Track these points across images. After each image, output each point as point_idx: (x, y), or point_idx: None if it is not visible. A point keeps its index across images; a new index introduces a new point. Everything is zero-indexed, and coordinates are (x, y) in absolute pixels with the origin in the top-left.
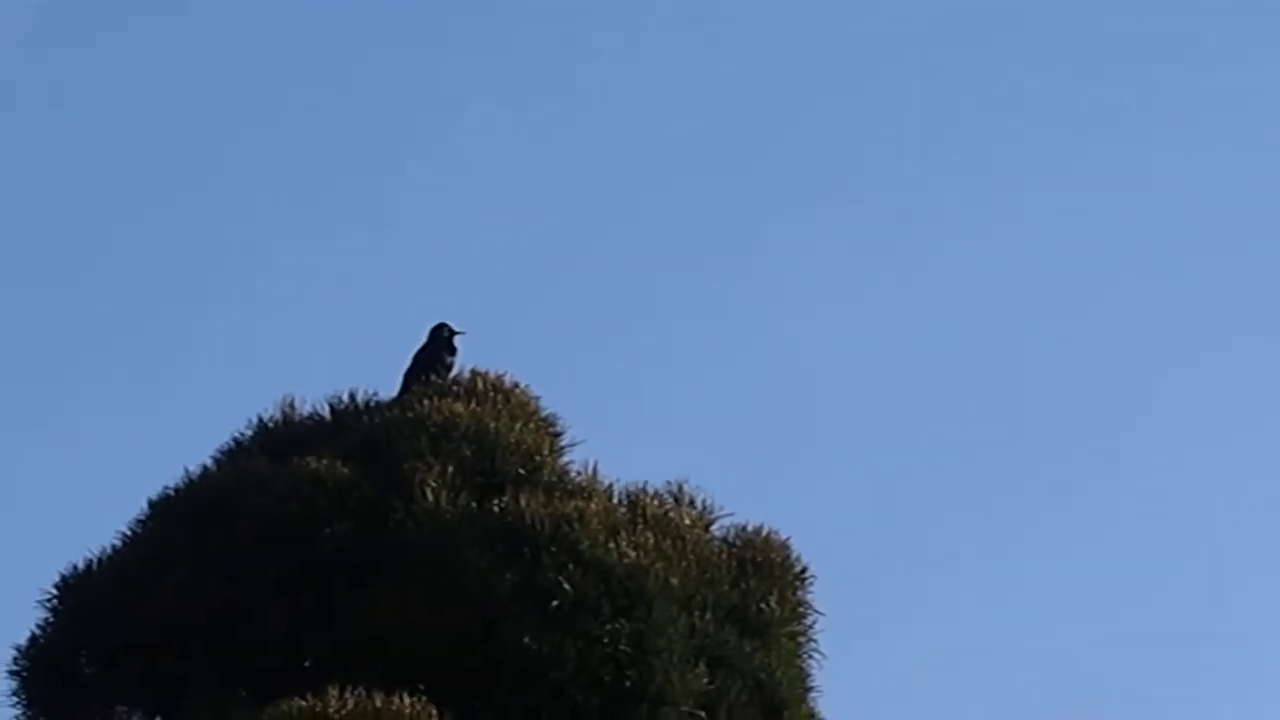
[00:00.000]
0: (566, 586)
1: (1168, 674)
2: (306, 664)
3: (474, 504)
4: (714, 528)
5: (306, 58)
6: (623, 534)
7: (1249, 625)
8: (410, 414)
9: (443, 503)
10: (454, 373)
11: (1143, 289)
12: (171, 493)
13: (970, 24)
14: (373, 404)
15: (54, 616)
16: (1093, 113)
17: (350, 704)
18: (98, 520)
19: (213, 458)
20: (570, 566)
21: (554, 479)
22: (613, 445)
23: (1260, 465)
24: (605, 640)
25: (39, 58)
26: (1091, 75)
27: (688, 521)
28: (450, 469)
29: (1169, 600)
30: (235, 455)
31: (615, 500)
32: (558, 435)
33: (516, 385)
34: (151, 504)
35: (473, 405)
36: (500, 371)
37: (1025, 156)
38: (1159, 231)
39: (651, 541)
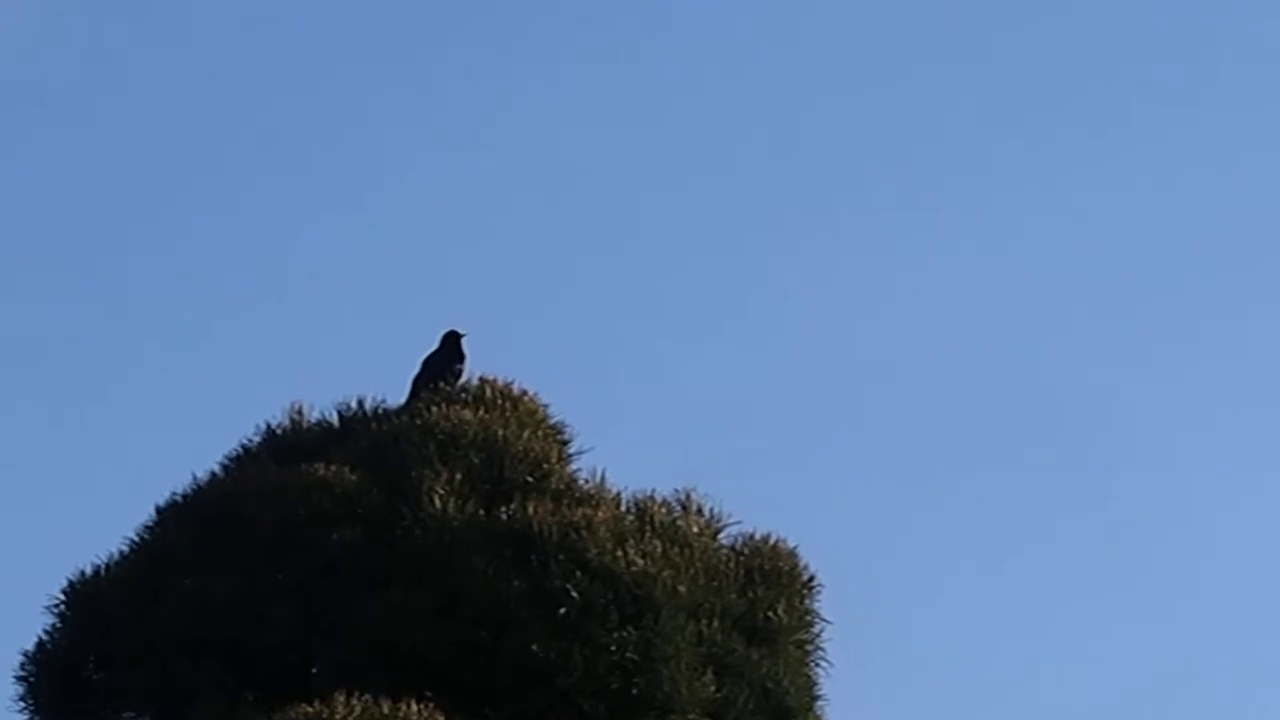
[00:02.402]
0: (574, 594)
1: (1172, 687)
2: (314, 670)
3: (482, 511)
4: (722, 536)
5: (314, 62)
6: (630, 542)
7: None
8: (418, 421)
9: (450, 510)
10: (462, 379)
11: (1153, 292)
12: (180, 499)
13: (982, 23)
14: (381, 411)
15: (62, 622)
16: (1108, 112)
17: (357, 710)
18: (106, 526)
19: (221, 464)
20: (578, 574)
21: (562, 486)
22: (621, 453)
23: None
24: (613, 648)
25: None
26: (1110, 74)
27: (695, 529)
28: (458, 476)
29: (1172, 616)
30: (243, 462)
31: (623, 508)
32: (566, 443)
33: (525, 393)
34: (159, 510)
35: (481, 412)
36: (508, 379)
37: (1036, 157)
38: (1176, 232)
39: (659, 549)
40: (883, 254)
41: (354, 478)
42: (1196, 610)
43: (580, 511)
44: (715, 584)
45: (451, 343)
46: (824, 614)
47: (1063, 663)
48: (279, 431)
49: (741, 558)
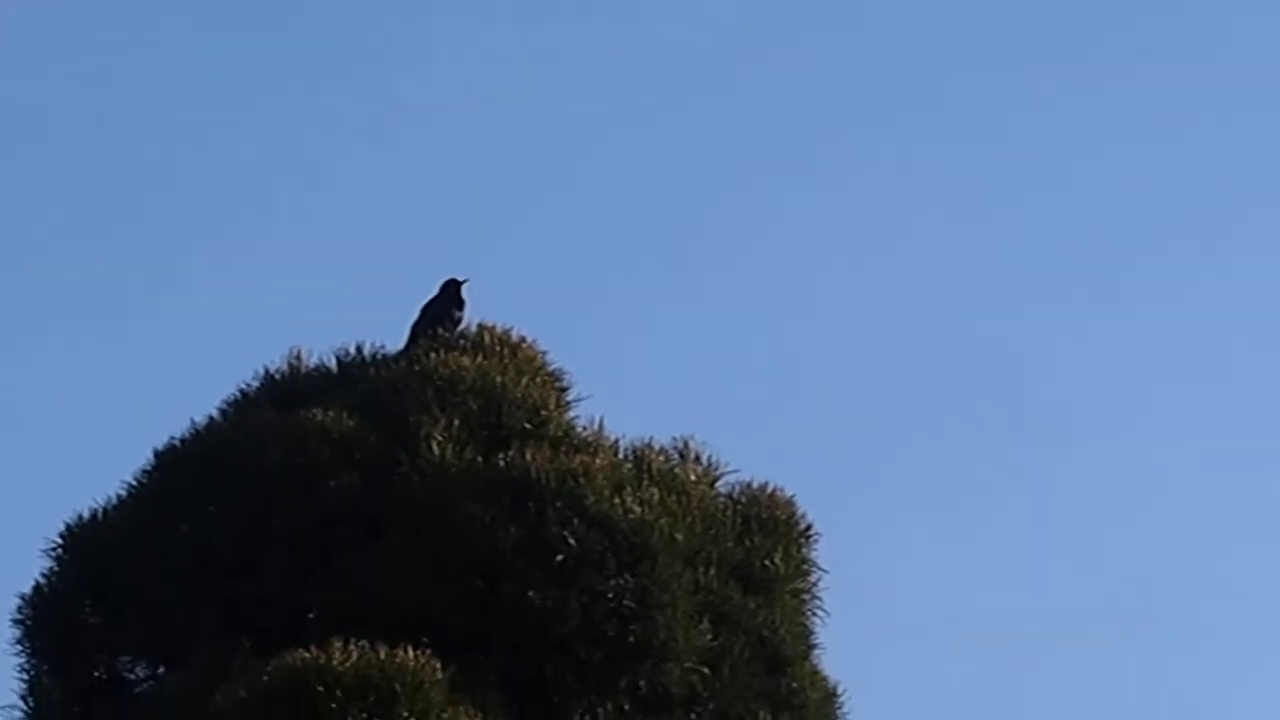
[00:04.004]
0: (571, 541)
1: (1161, 636)
2: (311, 616)
3: (479, 458)
4: (719, 484)
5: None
6: (628, 489)
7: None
8: (417, 367)
9: (448, 456)
10: (461, 326)
11: (1126, 257)
12: (177, 444)
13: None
14: (379, 357)
15: (59, 566)
16: (1044, 69)
17: (354, 657)
18: (103, 470)
19: (219, 409)
20: (575, 521)
21: (560, 433)
22: (619, 400)
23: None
24: (609, 595)
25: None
26: (1046, 33)
27: (693, 477)
28: (456, 422)
29: (1162, 566)
30: (241, 407)
31: (621, 455)
32: (564, 390)
33: (523, 339)
34: (157, 454)
35: (479, 359)
36: (507, 325)
37: (980, 111)
38: (1138, 202)
39: (656, 497)
40: (879, 202)
41: (352, 424)
42: (1150, 544)
43: (578, 459)
44: (712, 532)
45: (451, 289)
46: (820, 563)
47: (1055, 611)
48: (277, 377)
49: (739, 506)
